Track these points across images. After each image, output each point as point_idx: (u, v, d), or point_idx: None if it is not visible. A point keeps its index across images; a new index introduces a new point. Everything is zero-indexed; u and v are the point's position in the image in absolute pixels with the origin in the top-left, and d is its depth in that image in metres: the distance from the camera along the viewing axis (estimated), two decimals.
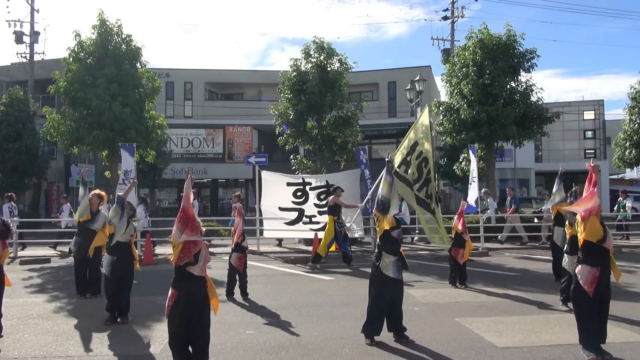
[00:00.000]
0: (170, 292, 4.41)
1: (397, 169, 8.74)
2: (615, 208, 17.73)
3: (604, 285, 5.18)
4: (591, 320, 5.15)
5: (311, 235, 13.39)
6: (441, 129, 18.65)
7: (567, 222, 7.05)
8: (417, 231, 16.57)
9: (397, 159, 8.93)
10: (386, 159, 6.24)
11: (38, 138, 23.46)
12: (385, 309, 5.92)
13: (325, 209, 13.17)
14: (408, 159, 9.06)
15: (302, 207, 14.43)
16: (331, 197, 12.36)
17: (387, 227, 5.94)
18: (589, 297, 5.10)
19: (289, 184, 14.66)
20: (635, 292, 8.49)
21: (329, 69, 16.78)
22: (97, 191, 8.80)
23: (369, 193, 14.32)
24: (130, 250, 7.11)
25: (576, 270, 5.32)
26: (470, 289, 8.95)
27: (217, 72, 35.15)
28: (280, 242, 15.96)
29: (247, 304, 7.92)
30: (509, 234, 16.00)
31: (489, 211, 15.82)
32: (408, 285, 7.68)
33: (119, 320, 6.77)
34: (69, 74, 16.14)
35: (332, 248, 12.03)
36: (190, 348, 4.45)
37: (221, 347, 5.64)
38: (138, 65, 17.11)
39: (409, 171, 8.74)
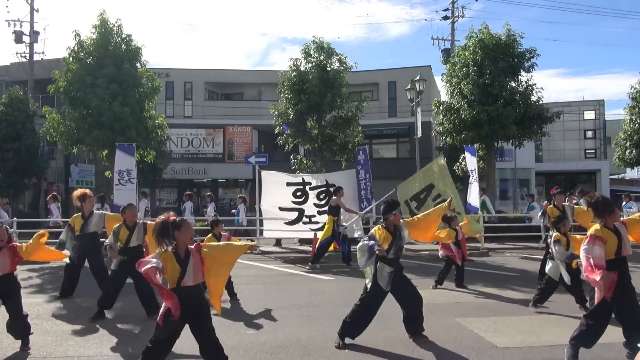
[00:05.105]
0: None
1: (409, 201, 12.41)
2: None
3: (623, 288, 4.98)
4: (604, 325, 5.03)
5: (311, 235, 13.36)
6: (441, 129, 18.65)
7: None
8: None
9: (407, 193, 12.57)
10: (376, 249, 5.48)
11: (38, 138, 23.39)
12: (370, 316, 5.74)
13: (325, 208, 13.19)
14: (421, 196, 12.38)
15: (302, 207, 14.41)
16: (333, 197, 12.35)
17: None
18: (608, 303, 4.92)
19: (288, 184, 14.64)
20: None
21: (328, 68, 16.77)
22: (78, 193, 8.33)
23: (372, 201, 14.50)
24: (143, 254, 7.02)
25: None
26: (471, 289, 8.96)
27: (217, 72, 35.10)
28: (279, 242, 15.91)
29: (247, 305, 7.90)
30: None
31: None
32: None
33: (150, 317, 6.71)
34: (69, 74, 16.13)
35: (331, 248, 12.03)
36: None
37: None
38: (138, 65, 17.10)
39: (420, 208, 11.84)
